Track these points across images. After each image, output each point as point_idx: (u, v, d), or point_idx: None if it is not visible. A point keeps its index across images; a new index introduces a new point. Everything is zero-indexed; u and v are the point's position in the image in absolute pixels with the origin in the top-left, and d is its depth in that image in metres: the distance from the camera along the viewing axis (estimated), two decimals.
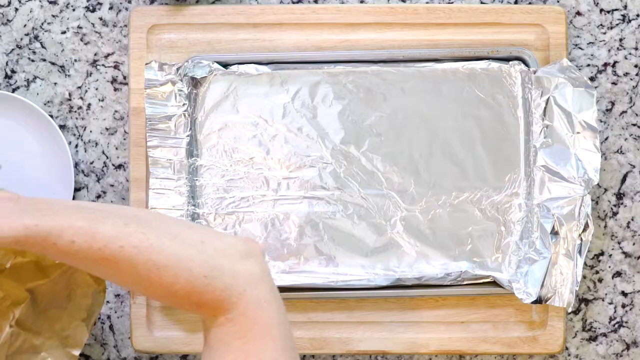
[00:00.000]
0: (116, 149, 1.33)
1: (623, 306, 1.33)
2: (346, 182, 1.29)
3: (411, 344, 1.30)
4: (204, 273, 0.96)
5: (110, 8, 1.33)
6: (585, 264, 1.32)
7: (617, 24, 1.33)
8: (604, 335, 1.33)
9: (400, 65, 1.30)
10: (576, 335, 1.33)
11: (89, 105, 1.33)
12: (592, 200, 1.32)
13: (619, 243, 1.33)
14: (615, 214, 1.33)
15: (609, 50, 1.33)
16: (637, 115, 1.33)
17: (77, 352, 1.17)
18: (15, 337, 1.14)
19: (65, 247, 0.94)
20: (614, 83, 1.33)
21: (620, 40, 1.33)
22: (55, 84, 1.33)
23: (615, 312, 1.33)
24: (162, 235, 0.96)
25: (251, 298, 0.97)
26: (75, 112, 1.33)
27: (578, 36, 1.33)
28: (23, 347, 1.15)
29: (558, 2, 1.33)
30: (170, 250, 0.96)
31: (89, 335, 1.18)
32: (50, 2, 1.33)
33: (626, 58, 1.33)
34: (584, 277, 1.33)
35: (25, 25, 1.33)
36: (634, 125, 1.33)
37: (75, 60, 1.33)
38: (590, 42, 1.33)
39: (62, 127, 1.33)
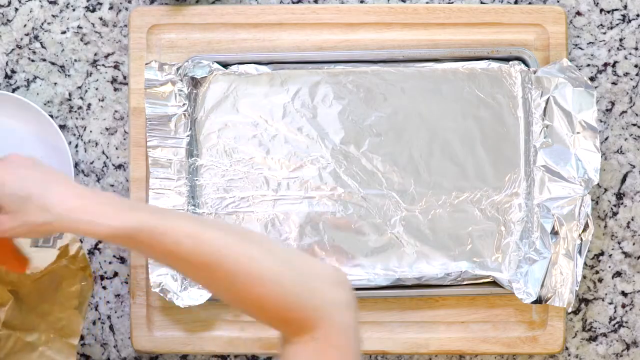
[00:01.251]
0: (116, 149, 1.33)
1: (623, 306, 1.33)
2: (346, 182, 1.29)
3: (411, 344, 1.30)
4: (296, 292, 0.98)
5: (110, 8, 1.33)
6: (585, 264, 1.32)
7: (617, 24, 1.33)
8: (604, 335, 1.33)
9: (400, 65, 1.30)
10: (576, 335, 1.33)
11: (89, 105, 1.33)
12: (592, 200, 1.32)
13: (619, 243, 1.33)
14: (615, 214, 1.33)
15: (609, 50, 1.33)
16: (637, 115, 1.33)
17: (74, 341, 1.17)
18: (5, 340, 1.14)
19: (169, 246, 0.96)
20: (614, 83, 1.33)
21: (620, 40, 1.33)
22: (55, 84, 1.33)
23: (615, 312, 1.33)
24: (263, 251, 0.99)
25: (336, 323, 0.99)
26: (75, 112, 1.33)
27: (578, 36, 1.33)
28: (16, 347, 1.15)
29: (558, 2, 1.33)
30: (268, 265, 0.98)
31: (84, 321, 1.18)
32: (50, 2, 1.33)
33: (626, 58, 1.33)
34: (584, 277, 1.33)
35: (25, 25, 1.33)
36: (634, 125, 1.33)
37: (75, 60, 1.33)
38: (590, 42, 1.33)
39: (62, 127, 1.33)
